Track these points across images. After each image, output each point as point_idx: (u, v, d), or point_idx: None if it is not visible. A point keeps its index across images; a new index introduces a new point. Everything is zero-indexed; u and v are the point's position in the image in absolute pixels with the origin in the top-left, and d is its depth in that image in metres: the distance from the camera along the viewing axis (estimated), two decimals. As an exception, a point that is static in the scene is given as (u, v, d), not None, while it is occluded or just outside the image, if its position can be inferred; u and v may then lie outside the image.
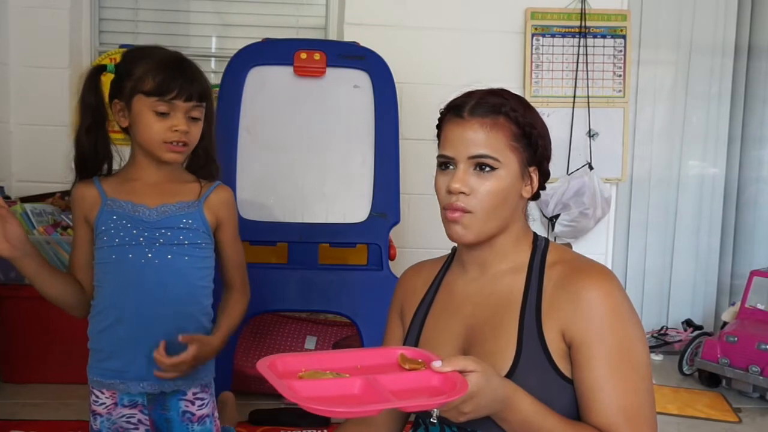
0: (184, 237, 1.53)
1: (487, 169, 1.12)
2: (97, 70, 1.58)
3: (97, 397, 1.54)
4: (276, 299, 2.32)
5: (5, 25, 2.92)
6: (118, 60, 1.56)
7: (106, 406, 1.53)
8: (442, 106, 1.20)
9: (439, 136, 1.20)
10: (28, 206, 2.59)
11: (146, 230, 1.50)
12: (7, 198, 2.77)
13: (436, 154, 1.18)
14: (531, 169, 1.17)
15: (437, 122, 1.21)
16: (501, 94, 1.17)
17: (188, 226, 1.53)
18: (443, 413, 0.98)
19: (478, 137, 1.13)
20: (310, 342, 2.68)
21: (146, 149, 1.51)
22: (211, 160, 1.63)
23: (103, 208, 1.51)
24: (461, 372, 0.96)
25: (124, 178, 1.56)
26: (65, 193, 2.77)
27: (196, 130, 1.52)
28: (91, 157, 1.54)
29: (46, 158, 2.90)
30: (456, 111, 1.16)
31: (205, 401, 1.58)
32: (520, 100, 1.18)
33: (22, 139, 2.95)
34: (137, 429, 1.55)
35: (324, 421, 2.24)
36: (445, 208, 1.16)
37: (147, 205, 1.52)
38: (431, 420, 1.00)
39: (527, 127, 1.15)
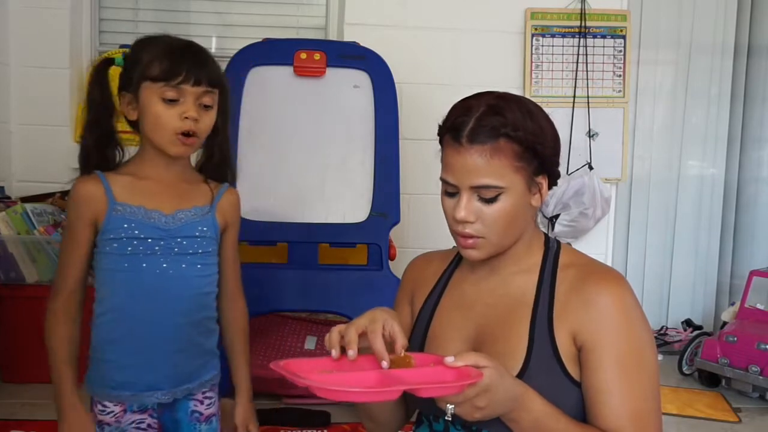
0: (198, 246, 1.48)
1: (491, 197, 1.11)
2: (104, 64, 1.51)
3: (104, 407, 1.48)
4: (276, 299, 2.32)
5: (5, 25, 2.91)
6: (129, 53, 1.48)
7: (115, 415, 1.49)
8: (440, 120, 1.17)
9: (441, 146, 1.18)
10: (28, 206, 2.58)
11: (162, 239, 1.45)
12: (7, 198, 2.76)
13: (440, 176, 1.16)
14: (538, 178, 1.15)
15: (438, 135, 1.18)
16: (501, 112, 1.10)
17: (203, 234, 1.49)
18: (458, 410, 0.97)
19: (478, 166, 1.09)
20: (310, 342, 2.68)
21: (155, 142, 1.44)
22: (226, 160, 1.55)
23: (111, 212, 1.44)
24: (474, 367, 0.96)
25: (132, 177, 1.48)
26: (65, 193, 2.76)
27: (208, 119, 1.45)
28: (93, 152, 1.47)
29: (46, 158, 2.90)
30: (454, 135, 1.11)
31: (213, 399, 1.57)
32: (522, 110, 1.12)
33: (22, 139, 2.94)
34: None
35: (324, 421, 2.23)
36: (454, 233, 1.16)
37: (162, 211, 1.46)
38: (446, 418, 1.00)
39: (530, 143, 1.11)
